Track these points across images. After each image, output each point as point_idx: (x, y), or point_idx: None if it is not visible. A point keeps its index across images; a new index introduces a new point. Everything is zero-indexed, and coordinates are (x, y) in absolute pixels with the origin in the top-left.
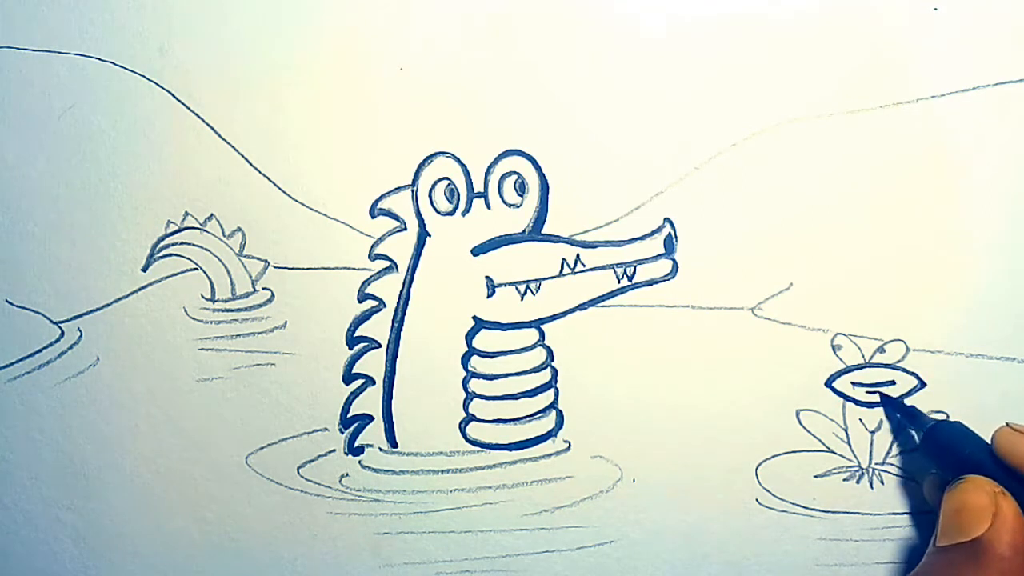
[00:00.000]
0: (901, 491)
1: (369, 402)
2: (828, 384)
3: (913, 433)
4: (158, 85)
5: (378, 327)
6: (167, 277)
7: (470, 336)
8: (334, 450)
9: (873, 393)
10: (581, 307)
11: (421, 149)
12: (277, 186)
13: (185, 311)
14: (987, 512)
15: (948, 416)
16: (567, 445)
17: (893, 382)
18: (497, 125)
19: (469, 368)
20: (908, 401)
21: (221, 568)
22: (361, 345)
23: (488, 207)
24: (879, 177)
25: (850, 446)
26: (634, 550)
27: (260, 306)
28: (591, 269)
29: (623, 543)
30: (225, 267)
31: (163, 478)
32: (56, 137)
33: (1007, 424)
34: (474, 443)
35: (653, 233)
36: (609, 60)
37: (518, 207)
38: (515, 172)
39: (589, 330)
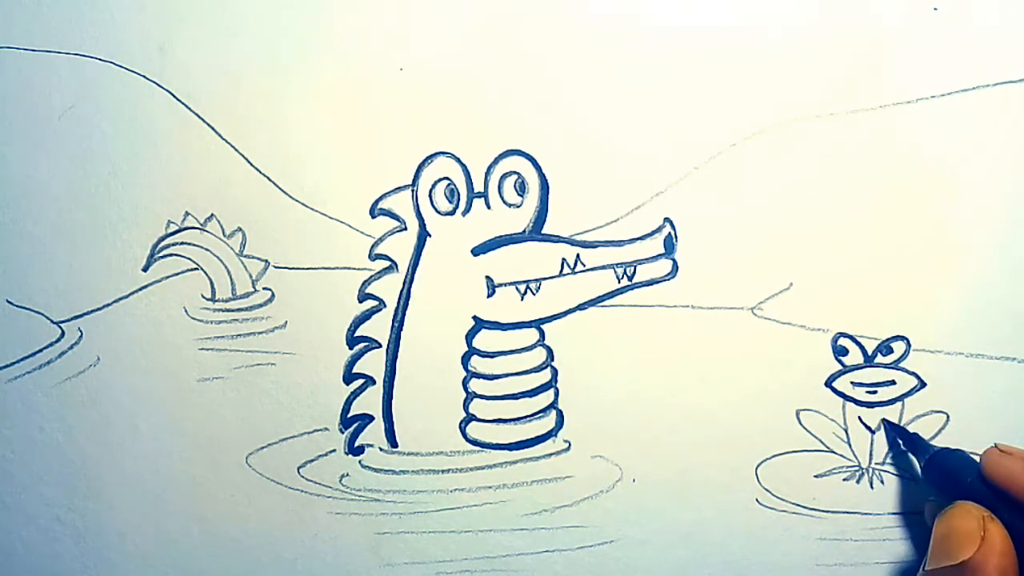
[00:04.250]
0: (901, 491)
1: (369, 402)
2: (828, 384)
3: (913, 459)
4: (158, 85)
5: (378, 327)
6: (167, 277)
7: (470, 336)
8: (334, 450)
9: (874, 400)
10: (581, 307)
11: (421, 149)
12: (277, 186)
13: (185, 311)
14: (975, 536)
15: (948, 417)
16: (567, 445)
17: (893, 382)
18: (497, 125)
19: (469, 368)
20: (908, 401)
21: (221, 568)
22: (361, 345)
23: (488, 207)
24: (879, 177)
25: (850, 446)
26: (634, 550)
27: (260, 306)
28: (591, 269)
29: (623, 543)
30: (225, 267)
31: (163, 478)
32: (56, 137)
33: (995, 445)
34: (474, 443)
35: (653, 233)
36: (609, 60)
37: (518, 207)
38: (515, 172)
39: (589, 330)
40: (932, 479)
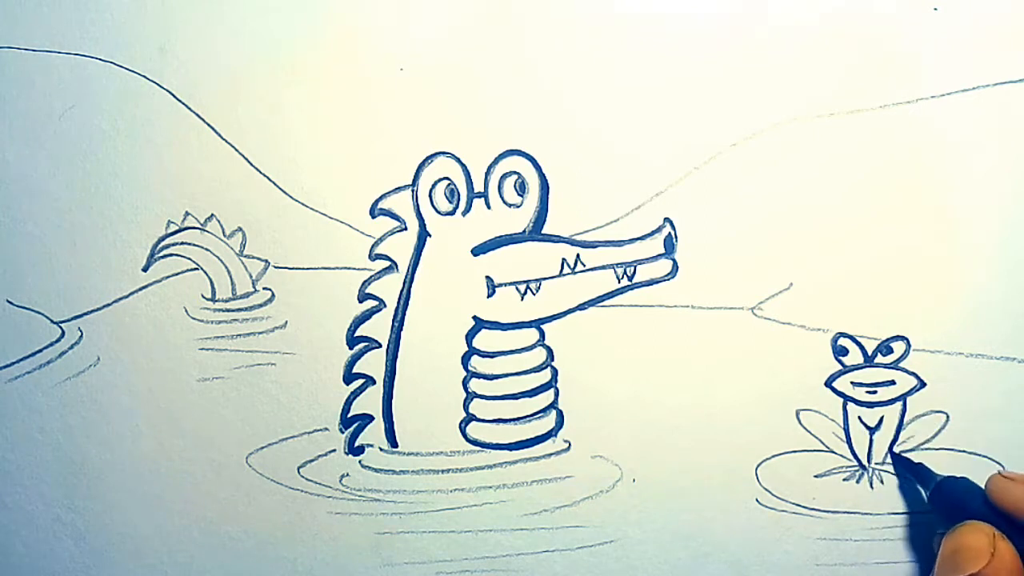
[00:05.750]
0: (901, 491)
1: (369, 402)
2: (828, 384)
3: (921, 490)
4: (158, 85)
5: (378, 327)
6: (167, 277)
7: (470, 336)
8: (334, 450)
9: (874, 400)
10: (581, 307)
11: (421, 149)
12: (277, 186)
13: (186, 311)
14: (984, 551)
15: (948, 417)
16: (567, 445)
17: (893, 382)
18: (497, 125)
19: (469, 368)
20: (908, 401)
21: (221, 568)
22: (361, 345)
23: (488, 207)
24: (879, 177)
25: (850, 446)
26: (634, 550)
27: (260, 306)
28: (591, 269)
29: (623, 543)
30: (225, 267)
31: (163, 478)
32: (57, 137)
33: (999, 472)
34: (474, 443)
35: (653, 233)
36: (609, 60)
37: (518, 207)
38: (515, 172)
39: (589, 330)
40: (939, 506)
